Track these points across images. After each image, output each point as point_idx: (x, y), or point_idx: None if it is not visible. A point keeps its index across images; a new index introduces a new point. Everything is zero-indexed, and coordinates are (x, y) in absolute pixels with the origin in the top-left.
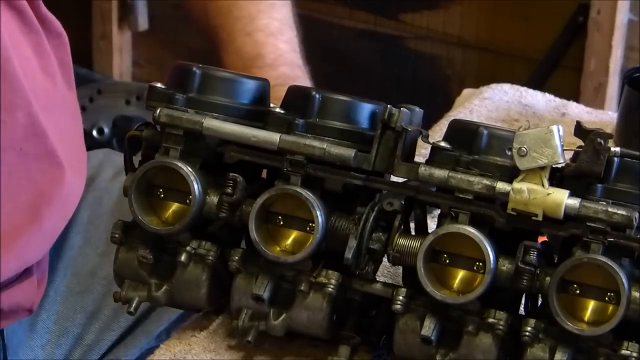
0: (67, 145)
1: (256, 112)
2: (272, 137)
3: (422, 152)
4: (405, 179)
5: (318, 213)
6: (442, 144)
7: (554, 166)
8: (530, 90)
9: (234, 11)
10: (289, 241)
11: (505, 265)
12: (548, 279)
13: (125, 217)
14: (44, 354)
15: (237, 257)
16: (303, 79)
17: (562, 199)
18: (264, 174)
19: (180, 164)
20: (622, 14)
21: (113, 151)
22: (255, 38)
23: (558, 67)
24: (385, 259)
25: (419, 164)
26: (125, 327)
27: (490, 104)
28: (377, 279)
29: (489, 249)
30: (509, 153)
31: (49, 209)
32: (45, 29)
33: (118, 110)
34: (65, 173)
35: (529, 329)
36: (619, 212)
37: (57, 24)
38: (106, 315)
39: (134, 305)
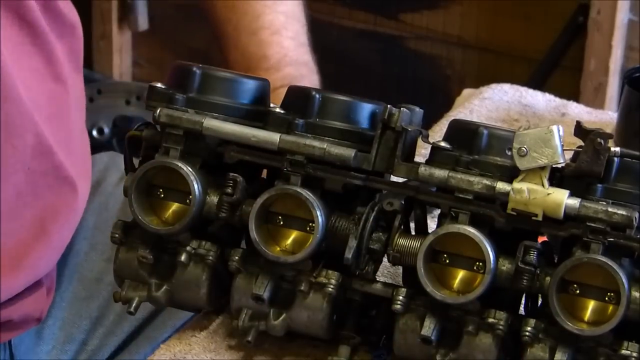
0: (74, 149)
1: (256, 112)
2: (272, 137)
3: (422, 152)
4: (405, 179)
5: (318, 213)
6: (442, 144)
7: (554, 166)
8: (530, 90)
9: (240, 6)
10: (289, 241)
11: (505, 265)
12: (548, 279)
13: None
14: None
15: (237, 257)
16: (309, 77)
17: (562, 199)
18: (264, 174)
19: (180, 164)
20: (622, 14)
21: (118, 154)
22: (260, 37)
23: (558, 67)
24: (385, 259)
25: (419, 164)
26: (128, 332)
27: (490, 104)
28: (377, 279)
29: (489, 249)
30: (509, 153)
31: (56, 222)
32: (59, 22)
33: (118, 110)
34: (72, 184)
35: (529, 329)
36: (619, 212)
37: (72, 15)
38: (110, 321)
39: (134, 305)
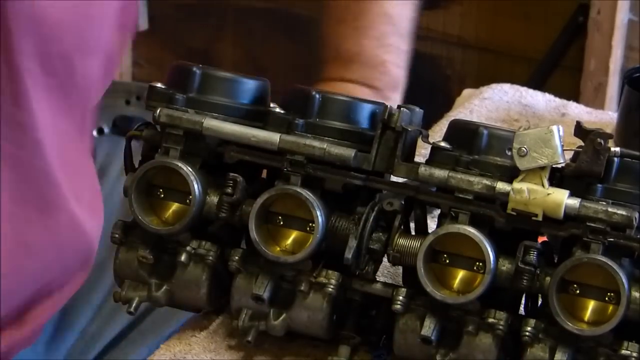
0: (89, 195)
1: (256, 112)
2: (272, 137)
3: (422, 152)
4: (405, 179)
5: (318, 213)
6: (442, 144)
7: (554, 166)
8: (530, 90)
9: None
10: (289, 241)
11: (505, 265)
12: (548, 279)
13: None
14: (47, 350)
15: (237, 257)
16: (376, 80)
17: (562, 199)
18: (264, 174)
19: (180, 164)
20: (622, 14)
21: (120, 140)
22: (340, 29)
23: (558, 67)
24: (385, 259)
25: (419, 164)
26: (125, 322)
27: (490, 104)
28: (377, 279)
29: (489, 249)
30: (509, 153)
31: (68, 284)
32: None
33: (118, 110)
34: (91, 246)
35: (529, 329)
36: (619, 212)
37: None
38: (109, 309)
39: (134, 305)
